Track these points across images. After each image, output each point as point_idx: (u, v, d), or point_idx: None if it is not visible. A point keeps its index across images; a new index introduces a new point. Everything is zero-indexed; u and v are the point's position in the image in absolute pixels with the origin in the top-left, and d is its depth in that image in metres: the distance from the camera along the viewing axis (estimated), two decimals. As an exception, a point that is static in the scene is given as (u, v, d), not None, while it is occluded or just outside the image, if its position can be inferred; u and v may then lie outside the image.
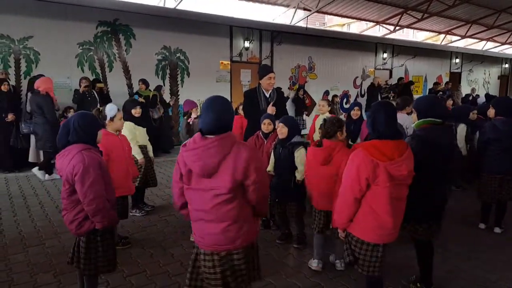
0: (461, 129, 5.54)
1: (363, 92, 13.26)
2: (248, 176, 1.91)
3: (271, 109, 4.42)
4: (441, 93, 10.89)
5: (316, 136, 4.83)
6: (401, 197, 2.34)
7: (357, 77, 13.30)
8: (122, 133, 3.96)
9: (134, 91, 8.55)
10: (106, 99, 7.49)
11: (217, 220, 1.97)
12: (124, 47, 8.81)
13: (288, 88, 11.51)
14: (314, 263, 3.36)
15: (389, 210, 2.25)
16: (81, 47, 8.27)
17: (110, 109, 3.71)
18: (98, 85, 7.76)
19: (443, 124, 2.69)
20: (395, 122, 2.35)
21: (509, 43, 17.63)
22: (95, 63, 8.49)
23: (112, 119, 3.68)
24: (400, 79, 12.41)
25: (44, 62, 7.81)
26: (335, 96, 11.42)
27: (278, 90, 5.01)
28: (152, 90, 8.25)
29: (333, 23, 13.38)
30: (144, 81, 8.19)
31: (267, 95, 4.67)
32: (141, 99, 7.54)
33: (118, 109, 3.77)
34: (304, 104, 11.32)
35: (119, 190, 3.52)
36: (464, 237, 4.15)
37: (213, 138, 1.91)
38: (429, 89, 12.80)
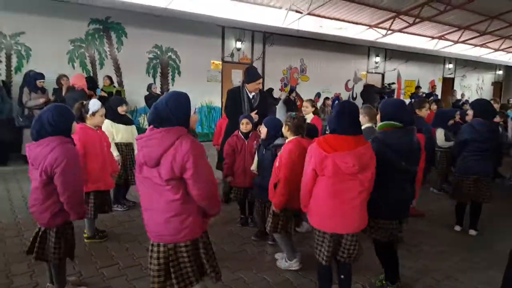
0: (439, 134, 5.67)
1: (355, 95, 13.36)
2: (186, 170, 1.97)
3: (254, 116, 4.50)
4: (423, 94, 11.03)
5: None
6: (349, 190, 2.44)
7: (349, 80, 13.41)
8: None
9: (99, 88, 8.37)
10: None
11: (160, 210, 2.03)
12: (115, 45, 8.87)
13: (280, 89, 11.59)
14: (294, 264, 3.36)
15: (329, 200, 2.46)
16: (72, 44, 8.33)
17: (94, 104, 3.77)
18: (117, 89, 8.07)
19: (405, 128, 2.75)
20: (349, 120, 2.47)
21: (502, 50, 17.78)
22: (86, 60, 8.55)
23: (94, 113, 3.74)
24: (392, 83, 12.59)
25: (36, 58, 7.86)
26: (326, 98, 11.50)
27: (262, 92, 5.06)
28: (116, 86, 8.35)
29: (330, 27, 13.43)
30: (108, 77, 8.29)
31: (251, 97, 4.73)
32: (104, 94, 7.61)
33: (102, 106, 3.84)
34: (295, 106, 11.37)
35: (96, 184, 3.60)
36: (439, 238, 4.23)
37: (156, 130, 2.00)
38: (411, 93, 12.93)
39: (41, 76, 6.78)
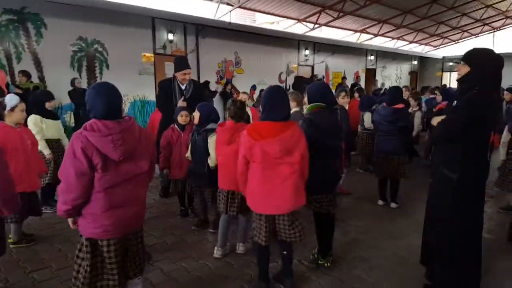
0: (366, 117, 6.22)
1: (288, 87, 13.85)
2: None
3: (181, 103, 4.48)
4: (346, 86, 11.91)
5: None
6: (279, 174, 2.58)
7: (282, 72, 13.85)
8: (29, 126, 3.82)
9: (16, 83, 7.69)
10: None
11: (133, 203, 2.12)
12: (34, 37, 8.14)
13: (216, 82, 11.60)
14: (217, 252, 3.44)
15: (260, 184, 2.59)
16: (-18, 36, 7.50)
17: (11, 99, 3.52)
18: (34, 84, 7.35)
19: (329, 108, 3.04)
20: (279, 104, 2.61)
21: (416, 42, 19.62)
22: (0, 54, 7.75)
23: (12, 109, 3.48)
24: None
25: None
26: (262, 90, 11.76)
27: (196, 83, 5.02)
28: (33, 82, 7.75)
29: (263, 21, 13.71)
30: (24, 73, 7.62)
31: (183, 87, 4.67)
32: (18, 90, 6.99)
33: (21, 100, 3.58)
34: (232, 98, 11.50)
35: (20, 185, 3.34)
36: (365, 213, 4.64)
37: (130, 122, 2.06)
38: (338, 84, 13.82)
39: None
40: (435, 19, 16.09)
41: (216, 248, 3.45)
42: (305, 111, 3.49)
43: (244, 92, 6.06)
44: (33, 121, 4.25)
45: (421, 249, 2.85)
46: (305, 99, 3.16)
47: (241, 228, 3.50)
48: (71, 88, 8.27)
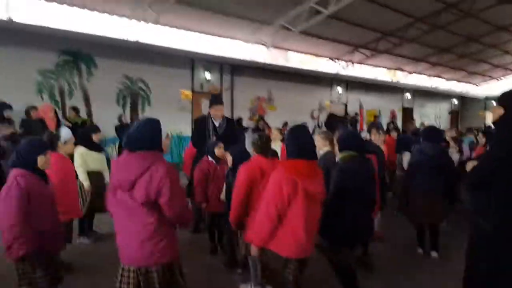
0: (405, 157, 5.83)
1: (320, 124, 13.89)
2: (161, 195, 2.05)
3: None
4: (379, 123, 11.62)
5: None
6: (315, 214, 2.57)
7: (314, 109, 13.97)
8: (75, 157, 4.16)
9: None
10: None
11: (134, 233, 2.09)
12: (85, 75, 8.90)
13: (249, 118, 11.90)
14: None
15: (304, 226, 2.45)
16: (41, 75, 8.28)
17: (66, 133, 3.86)
18: (82, 119, 8.02)
19: (361, 157, 3.05)
20: (308, 145, 2.62)
21: (455, 80, 19.14)
22: (55, 90, 8.50)
23: (66, 142, 3.80)
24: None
25: (2, 89, 7.71)
26: (293, 126, 11.88)
27: (230, 121, 5.18)
28: (81, 117, 8.37)
29: (296, 59, 14.14)
30: (74, 108, 8.28)
31: (217, 124, 4.79)
32: (67, 124, 7.62)
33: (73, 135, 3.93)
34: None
35: (71, 213, 3.63)
36: (403, 261, 4.32)
37: (132, 154, 2.10)
38: (370, 123, 13.46)
39: (8, 106, 6.71)
40: (474, 58, 15.72)
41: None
42: (337, 153, 3.48)
43: (277, 129, 6.23)
44: (79, 152, 4.50)
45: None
46: (337, 147, 3.19)
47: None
48: (117, 123, 8.83)
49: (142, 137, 2.13)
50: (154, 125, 2.21)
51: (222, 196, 4.02)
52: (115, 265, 2.25)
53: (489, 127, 14.13)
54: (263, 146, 3.27)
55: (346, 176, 2.93)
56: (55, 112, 8.00)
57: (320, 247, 3.00)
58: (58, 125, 7.48)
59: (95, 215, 4.85)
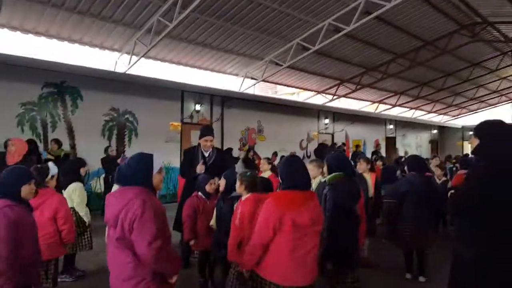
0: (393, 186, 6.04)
1: (309, 154, 13.99)
2: (133, 230, 1.93)
3: (199, 168, 4.51)
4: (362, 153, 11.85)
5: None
6: (307, 245, 2.50)
7: (302, 139, 14.11)
8: (71, 193, 4.10)
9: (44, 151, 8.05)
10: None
11: (116, 271, 2.01)
12: (70, 108, 8.69)
13: (239, 149, 11.86)
14: None
15: (290, 255, 2.44)
16: (23, 107, 8.04)
17: (53, 167, 3.69)
18: (65, 151, 7.75)
19: (349, 177, 3.21)
20: (302, 174, 2.60)
21: (434, 112, 19.91)
22: (37, 123, 8.24)
23: (52, 177, 3.64)
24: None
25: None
26: (283, 156, 11.89)
27: (219, 151, 5.11)
28: (63, 149, 8.03)
29: (284, 92, 14.43)
30: (56, 141, 7.97)
31: (206, 155, 4.74)
32: (50, 157, 7.37)
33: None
34: (254, 164, 11.60)
35: (59, 251, 3.43)
36: (392, 286, 4.35)
37: (118, 189, 2.08)
38: (353, 152, 13.65)
39: None
40: (451, 91, 16.49)
41: None
42: (325, 179, 3.50)
43: (266, 158, 6.27)
44: (78, 188, 4.30)
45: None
46: (325, 168, 3.25)
47: None
48: (103, 155, 8.58)
49: (131, 172, 2.09)
50: (145, 160, 2.16)
51: (212, 222, 3.88)
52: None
53: (466, 155, 14.72)
54: (252, 186, 3.23)
55: (338, 191, 3.05)
56: (35, 145, 7.67)
57: (325, 272, 3.03)
58: (39, 158, 7.18)
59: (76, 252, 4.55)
